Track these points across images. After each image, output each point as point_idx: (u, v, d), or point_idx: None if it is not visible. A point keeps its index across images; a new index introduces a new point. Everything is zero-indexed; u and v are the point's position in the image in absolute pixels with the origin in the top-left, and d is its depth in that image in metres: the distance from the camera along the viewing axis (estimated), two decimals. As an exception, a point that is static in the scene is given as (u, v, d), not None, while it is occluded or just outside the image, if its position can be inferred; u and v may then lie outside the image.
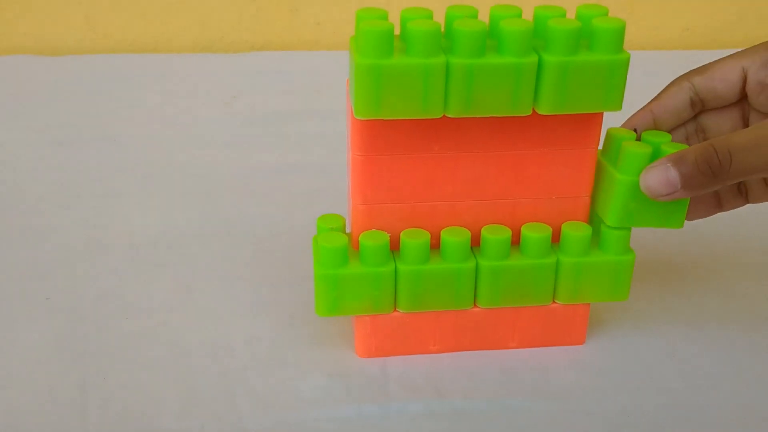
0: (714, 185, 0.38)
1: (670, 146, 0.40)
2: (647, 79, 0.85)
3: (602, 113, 0.40)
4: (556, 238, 0.43)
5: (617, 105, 0.39)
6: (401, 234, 0.42)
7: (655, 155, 0.41)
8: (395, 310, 0.43)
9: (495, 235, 0.41)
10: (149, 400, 0.42)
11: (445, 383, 0.43)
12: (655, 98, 0.44)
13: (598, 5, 0.40)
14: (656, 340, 0.46)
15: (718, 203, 0.44)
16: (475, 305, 0.43)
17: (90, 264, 0.53)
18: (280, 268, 0.52)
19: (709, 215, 0.45)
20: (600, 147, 0.43)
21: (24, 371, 0.44)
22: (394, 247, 0.42)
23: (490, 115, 0.38)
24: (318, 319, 0.47)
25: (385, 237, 0.41)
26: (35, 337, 0.46)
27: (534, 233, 0.42)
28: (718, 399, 0.42)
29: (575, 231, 0.42)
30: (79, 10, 0.91)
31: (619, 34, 0.38)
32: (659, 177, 0.38)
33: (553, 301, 0.44)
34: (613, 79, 0.38)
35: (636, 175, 0.40)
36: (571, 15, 0.40)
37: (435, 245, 0.43)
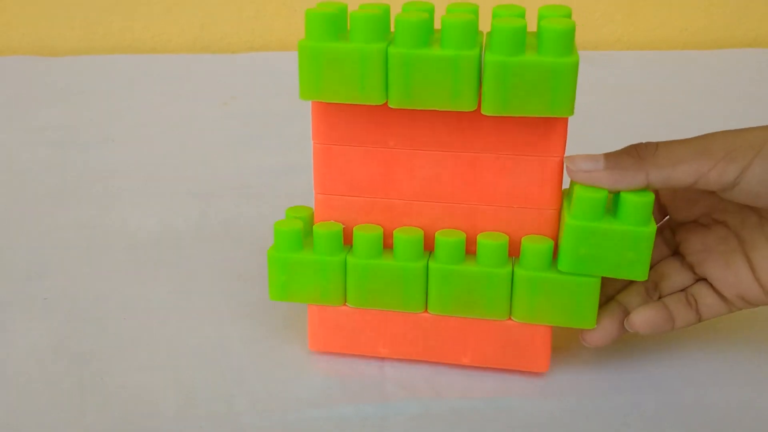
0: (640, 171, 0.38)
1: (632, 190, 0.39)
2: (647, 79, 0.86)
3: (566, 119, 0.39)
4: (518, 251, 0.41)
5: (567, 110, 0.37)
6: (354, 227, 0.42)
7: (614, 200, 0.39)
8: (345, 303, 0.43)
9: (447, 237, 0.41)
10: (147, 400, 0.42)
11: (443, 383, 0.43)
12: None
13: (562, 6, 0.39)
14: (653, 340, 0.46)
15: (670, 317, 0.42)
16: (426, 311, 0.43)
17: (88, 264, 0.53)
18: (278, 269, 0.52)
19: (661, 331, 0.42)
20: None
21: (22, 371, 0.44)
22: (351, 240, 0.43)
23: (433, 108, 0.38)
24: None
25: (338, 227, 0.42)
26: (33, 337, 0.46)
27: (488, 240, 0.41)
28: (718, 399, 0.42)
29: (534, 243, 0.40)
30: (78, 10, 0.91)
31: (567, 35, 0.36)
32: (584, 156, 0.39)
33: (510, 318, 0.42)
34: (559, 83, 0.36)
35: (587, 220, 0.38)
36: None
37: (391, 244, 0.42)
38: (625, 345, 0.46)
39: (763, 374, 0.44)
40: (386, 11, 0.38)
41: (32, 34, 0.91)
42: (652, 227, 0.38)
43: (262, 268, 0.52)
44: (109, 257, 0.54)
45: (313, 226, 0.42)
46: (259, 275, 0.52)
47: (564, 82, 0.36)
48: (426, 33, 0.37)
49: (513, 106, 0.37)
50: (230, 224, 0.58)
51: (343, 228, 0.42)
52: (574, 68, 0.36)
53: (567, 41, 0.36)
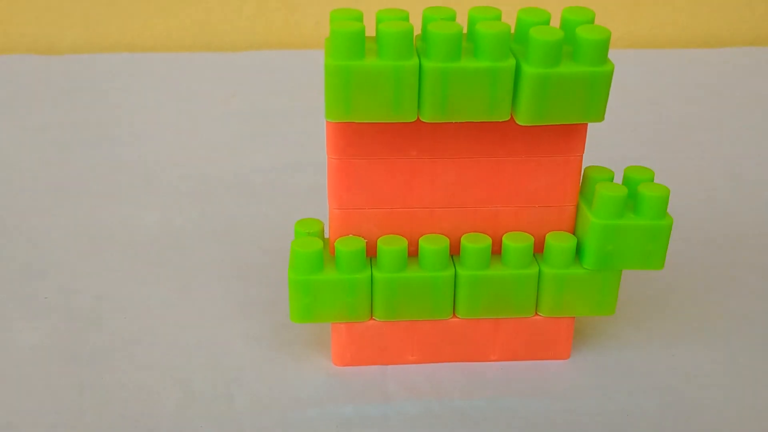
0: None
1: (649, 187, 0.40)
2: (647, 77, 0.85)
3: None
4: (540, 248, 0.42)
5: (599, 116, 0.38)
6: (378, 240, 0.41)
7: (630, 197, 0.41)
8: (371, 318, 0.42)
9: (474, 243, 0.41)
10: (147, 400, 0.42)
11: (445, 383, 0.43)
12: None
13: (585, 9, 0.39)
14: (654, 340, 0.46)
15: None
16: (454, 315, 0.43)
17: (88, 263, 0.53)
18: (278, 268, 0.52)
19: None
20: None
21: (22, 371, 0.44)
22: (372, 253, 0.42)
23: (467, 120, 0.37)
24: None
25: (361, 243, 0.41)
26: (33, 336, 0.46)
27: (515, 243, 0.41)
28: (718, 399, 0.42)
29: (559, 241, 0.41)
30: (77, 9, 0.91)
31: (603, 45, 0.36)
32: None
33: (536, 314, 0.43)
34: (595, 91, 0.37)
35: (612, 218, 0.40)
36: (556, 16, 0.39)
37: (414, 253, 0.42)
38: (626, 345, 0.46)
39: (764, 374, 0.44)
40: (407, 18, 0.38)
41: (31, 33, 0.91)
42: (670, 219, 0.40)
43: (262, 267, 0.52)
44: (110, 256, 0.54)
45: (335, 243, 0.41)
46: (259, 274, 0.52)
47: (599, 90, 0.37)
48: (459, 45, 0.36)
49: (549, 116, 0.37)
50: (230, 223, 0.58)
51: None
52: (610, 76, 0.37)
53: (603, 50, 0.36)
